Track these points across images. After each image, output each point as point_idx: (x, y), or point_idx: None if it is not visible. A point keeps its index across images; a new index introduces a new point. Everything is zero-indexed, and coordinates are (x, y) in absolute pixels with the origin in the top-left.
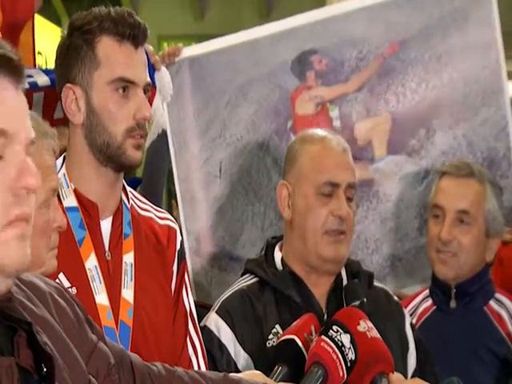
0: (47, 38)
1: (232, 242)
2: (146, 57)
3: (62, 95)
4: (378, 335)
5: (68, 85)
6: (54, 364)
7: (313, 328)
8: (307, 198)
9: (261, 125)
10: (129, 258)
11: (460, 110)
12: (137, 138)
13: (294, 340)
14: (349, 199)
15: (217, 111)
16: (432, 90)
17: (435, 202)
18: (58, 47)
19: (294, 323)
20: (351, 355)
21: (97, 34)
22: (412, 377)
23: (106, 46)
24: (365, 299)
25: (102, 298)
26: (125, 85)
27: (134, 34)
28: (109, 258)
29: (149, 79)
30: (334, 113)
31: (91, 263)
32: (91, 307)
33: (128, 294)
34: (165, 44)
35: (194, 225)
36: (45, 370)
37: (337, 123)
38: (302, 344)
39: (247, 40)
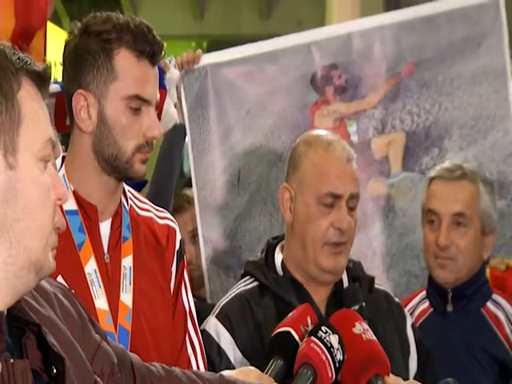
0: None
1: (249, 252)
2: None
3: (72, 99)
4: (374, 337)
5: (80, 90)
6: (65, 365)
7: (309, 319)
8: (308, 206)
9: (280, 136)
10: (128, 262)
11: (470, 133)
12: (145, 153)
13: (289, 332)
14: (350, 209)
15: (237, 120)
16: (444, 111)
17: (429, 207)
18: (69, 47)
19: (290, 315)
20: (339, 356)
21: (115, 45)
22: (413, 379)
23: (125, 59)
24: (364, 303)
25: (101, 302)
26: (139, 103)
27: (152, 52)
28: (108, 260)
29: (158, 96)
30: (352, 128)
31: (91, 267)
32: (90, 312)
33: (127, 298)
34: (165, 44)
35: (211, 233)
36: (55, 371)
37: (354, 138)
38: (298, 336)
39: (268, 51)
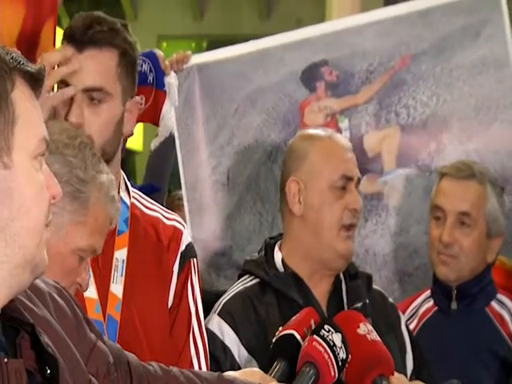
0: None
1: (239, 251)
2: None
3: None
4: (378, 338)
5: None
6: (59, 366)
7: (312, 322)
8: (321, 192)
9: (269, 134)
10: (121, 254)
11: (471, 125)
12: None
13: (293, 335)
14: None
15: (225, 119)
16: (443, 103)
17: (436, 202)
18: None
19: (294, 318)
20: (342, 354)
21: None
22: (410, 378)
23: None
24: (367, 300)
25: (90, 291)
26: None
27: (75, 35)
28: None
29: (95, 83)
30: (344, 124)
31: None
32: (79, 301)
33: (117, 288)
34: (164, 44)
35: (201, 233)
36: (48, 371)
37: (346, 134)
38: (302, 339)
39: (257, 49)
